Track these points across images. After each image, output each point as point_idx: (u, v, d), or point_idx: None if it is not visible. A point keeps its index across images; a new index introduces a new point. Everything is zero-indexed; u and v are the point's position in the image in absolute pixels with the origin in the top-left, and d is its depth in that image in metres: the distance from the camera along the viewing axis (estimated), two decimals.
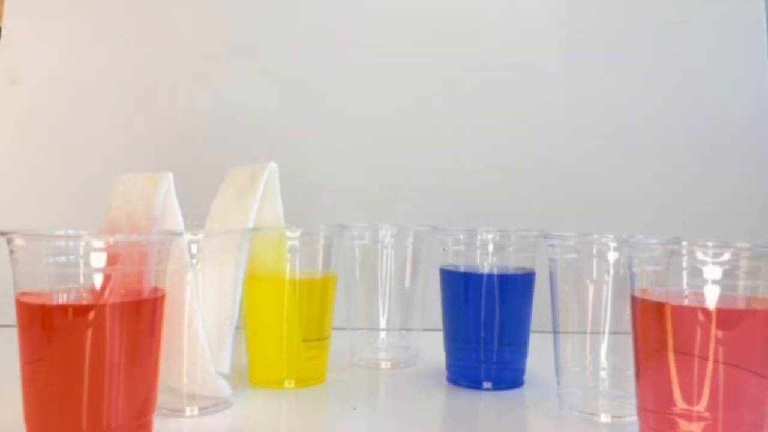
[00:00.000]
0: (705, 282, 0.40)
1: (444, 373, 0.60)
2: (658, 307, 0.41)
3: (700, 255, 0.40)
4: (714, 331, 0.38)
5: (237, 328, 0.51)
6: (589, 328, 0.50)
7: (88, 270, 0.38)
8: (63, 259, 0.38)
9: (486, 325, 0.56)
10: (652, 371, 0.41)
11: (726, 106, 0.86)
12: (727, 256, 0.39)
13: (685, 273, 0.41)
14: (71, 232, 0.42)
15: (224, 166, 0.57)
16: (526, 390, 0.57)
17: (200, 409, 0.48)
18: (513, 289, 0.57)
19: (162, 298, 0.42)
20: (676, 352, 0.40)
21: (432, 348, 0.64)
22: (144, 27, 0.84)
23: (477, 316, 0.56)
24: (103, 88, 0.84)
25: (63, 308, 0.38)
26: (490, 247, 0.58)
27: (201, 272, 0.49)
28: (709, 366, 0.38)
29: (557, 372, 0.53)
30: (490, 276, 0.57)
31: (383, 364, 0.64)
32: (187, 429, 0.46)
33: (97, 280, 0.38)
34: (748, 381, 0.39)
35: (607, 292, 0.50)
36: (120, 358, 0.38)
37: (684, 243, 0.42)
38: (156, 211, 0.44)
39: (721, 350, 0.38)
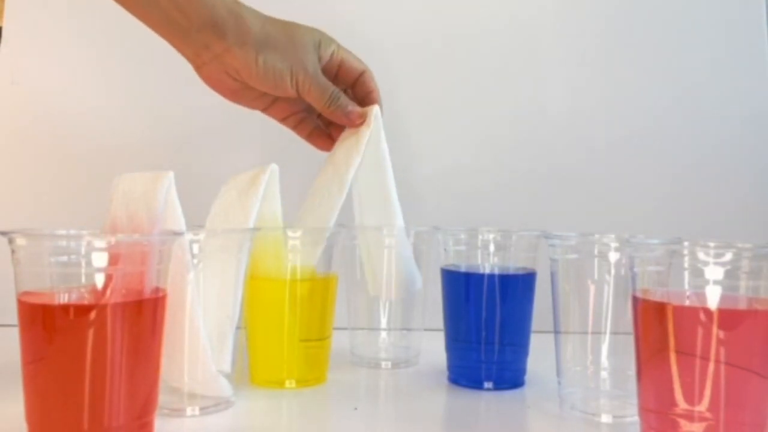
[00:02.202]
0: (706, 282, 0.40)
1: (445, 372, 0.60)
2: (660, 308, 0.41)
3: (701, 255, 0.40)
4: (715, 332, 0.38)
5: (238, 328, 0.51)
6: (590, 329, 0.50)
7: (89, 270, 0.38)
8: (64, 258, 0.38)
9: (487, 325, 0.56)
10: (654, 371, 0.41)
11: (726, 106, 0.86)
12: (728, 256, 0.39)
13: (686, 273, 0.41)
14: (73, 231, 0.42)
15: (224, 166, 0.58)
16: (527, 390, 0.57)
17: (201, 408, 0.48)
18: (514, 289, 0.57)
19: (163, 298, 0.42)
20: (678, 352, 0.40)
21: (433, 348, 0.64)
22: (145, 26, 0.84)
23: (478, 316, 0.56)
24: (103, 88, 0.84)
25: (64, 308, 0.38)
26: (491, 247, 0.58)
27: (202, 272, 0.49)
28: (711, 366, 0.38)
29: (558, 372, 0.53)
30: (491, 276, 0.57)
31: (384, 364, 0.64)
32: (188, 429, 0.46)
33: (99, 280, 0.38)
34: (750, 381, 0.39)
35: (609, 292, 0.50)
36: (121, 357, 0.38)
37: (685, 243, 0.42)
38: (157, 211, 0.44)
39: (722, 350, 0.38)
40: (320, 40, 0.59)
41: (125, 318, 0.38)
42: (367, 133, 0.60)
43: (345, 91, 0.63)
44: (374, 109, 0.62)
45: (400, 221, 0.63)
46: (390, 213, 0.63)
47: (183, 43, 0.56)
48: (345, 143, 0.62)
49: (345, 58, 0.61)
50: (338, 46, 0.61)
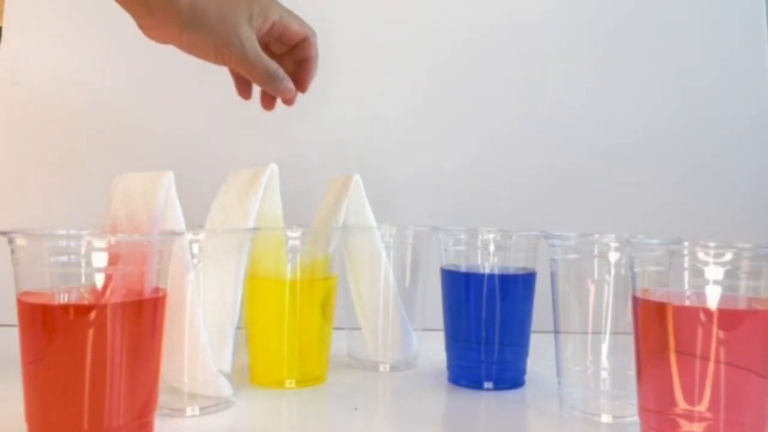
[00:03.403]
0: (706, 282, 0.40)
1: (445, 373, 0.60)
2: (660, 308, 0.41)
3: (701, 255, 0.40)
4: (715, 332, 0.38)
5: (238, 328, 0.51)
6: (590, 329, 0.50)
7: (89, 270, 0.38)
8: (64, 258, 0.38)
9: (487, 325, 0.56)
10: (654, 371, 0.41)
11: (726, 106, 0.86)
12: (728, 256, 0.39)
13: (686, 273, 0.41)
14: (73, 231, 0.42)
15: (224, 166, 0.57)
16: (527, 390, 0.57)
17: (201, 408, 0.48)
18: (514, 289, 0.57)
19: (163, 298, 0.42)
20: (678, 352, 0.40)
21: (433, 348, 0.64)
22: None
23: (478, 316, 0.56)
24: (103, 88, 0.84)
25: (64, 308, 0.38)
26: (491, 247, 0.58)
27: (202, 272, 0.49)
28: (711, 366, 0.38)
29: (558, 372, 0.53)
30: (491, 276, 0.57)
31: (382, 367, 0.64)
32: (188, 429, 0.46)
33: (99, 280, 0.38)
34: (750, 381, 0.39)
35: (609, 292, 0.50)
36: (121, 357, 0.38)
37: (685, 243, 0.42)
38: (157, 211, 0.44)
39: (722, 350, 0.38)
40: (255, 11, 0.57)
41: (125, 318, 0.38)
42: (344, 201, 0.60)
43: (287, 53, 0.61)
44: (354, 178, 0.61)
45: (391, 280, 0.63)
46: (378, 275, 0.62)
47: (124, 7, 0.56)
48: (325, 208, 0.62)
49: (287, 26, 0.59)
50: (281, 15, 0.59)
